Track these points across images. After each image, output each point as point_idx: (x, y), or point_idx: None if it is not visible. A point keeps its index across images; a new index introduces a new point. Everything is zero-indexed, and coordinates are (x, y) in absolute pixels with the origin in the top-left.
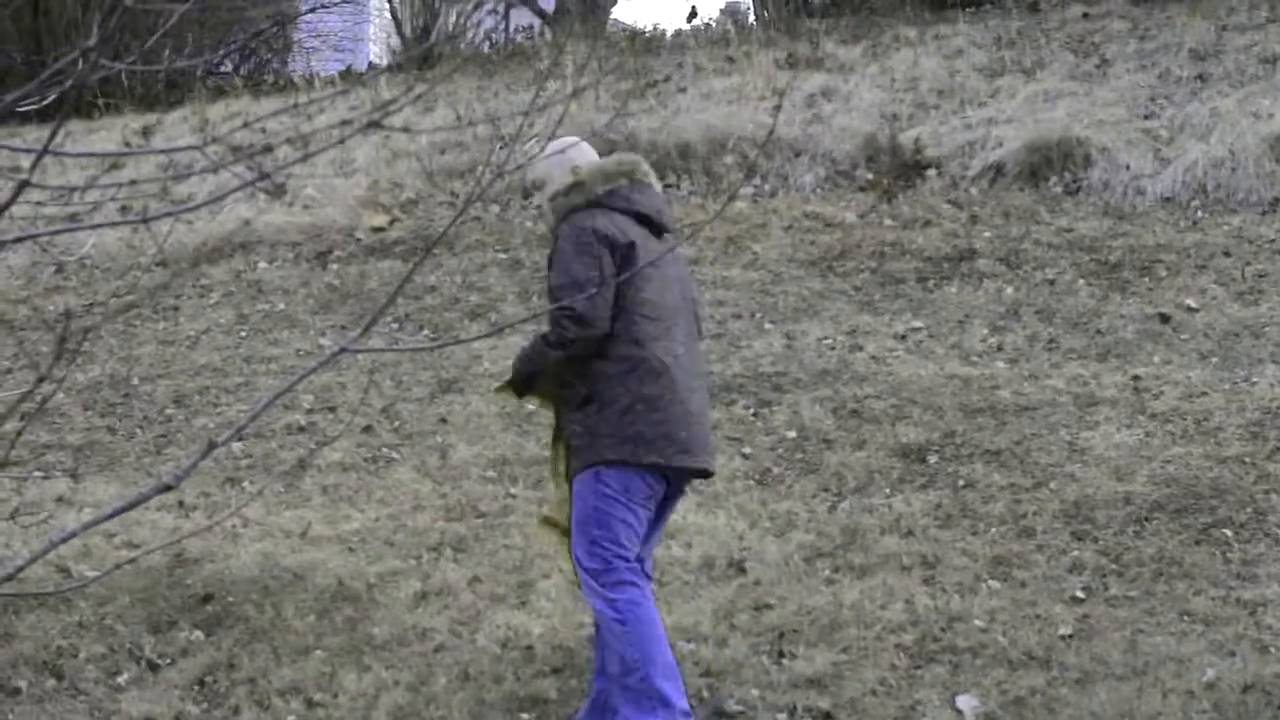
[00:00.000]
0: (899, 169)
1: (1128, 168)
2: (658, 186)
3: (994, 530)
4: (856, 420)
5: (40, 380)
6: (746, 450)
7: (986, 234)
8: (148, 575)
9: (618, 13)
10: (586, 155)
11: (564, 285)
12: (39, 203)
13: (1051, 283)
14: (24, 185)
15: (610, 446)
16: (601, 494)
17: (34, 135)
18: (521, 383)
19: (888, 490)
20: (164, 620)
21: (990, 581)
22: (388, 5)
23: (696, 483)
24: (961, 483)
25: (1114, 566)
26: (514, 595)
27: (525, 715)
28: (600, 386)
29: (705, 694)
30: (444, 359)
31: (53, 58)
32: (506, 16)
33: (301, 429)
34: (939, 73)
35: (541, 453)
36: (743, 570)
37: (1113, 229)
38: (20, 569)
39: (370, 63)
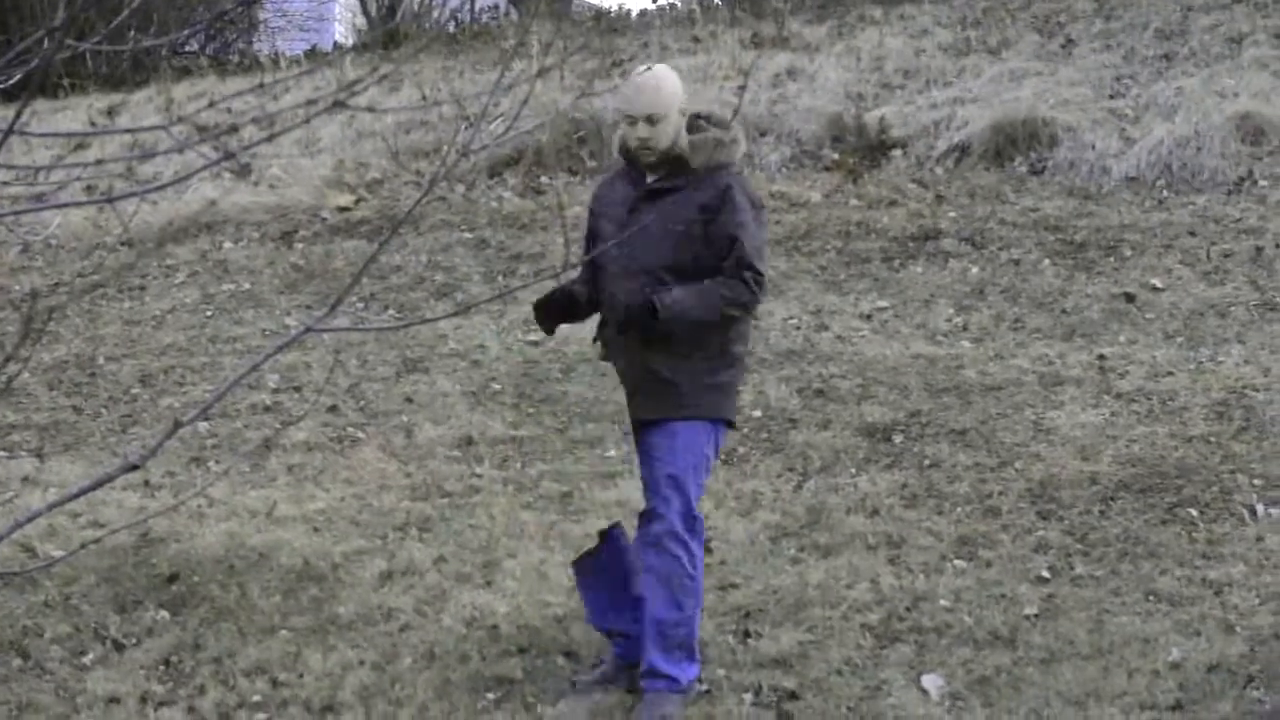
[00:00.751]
0: (864, 149)
1: (1093, 147)
2: None
3: (959, 510)
4: (822, 400)
5: (6, 360)
6: None
7: (952, 214)
8: (113, 555)
9: None
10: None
11: (758, 249)
12: (4, 182)
13: (1017, 262)
14: None
15: (730, 408)
16: (715, 448)
17: None
18: (676, 326)
19: (853, 470)
20: (129, 600)
21: (956, 561)
22: None
23: None
24: (927, 462)
25: (1079, 546)
26: (479, 575)
27: (490, 694)
28: (735, 348)
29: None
30: (409, 338)
31: (19, 37)
32: None
33: (267, 409)
34: (904, 52)
35: (508, 432)
36: (708, 550)
37: (1078, 209)
38: None
39: (336, 42)
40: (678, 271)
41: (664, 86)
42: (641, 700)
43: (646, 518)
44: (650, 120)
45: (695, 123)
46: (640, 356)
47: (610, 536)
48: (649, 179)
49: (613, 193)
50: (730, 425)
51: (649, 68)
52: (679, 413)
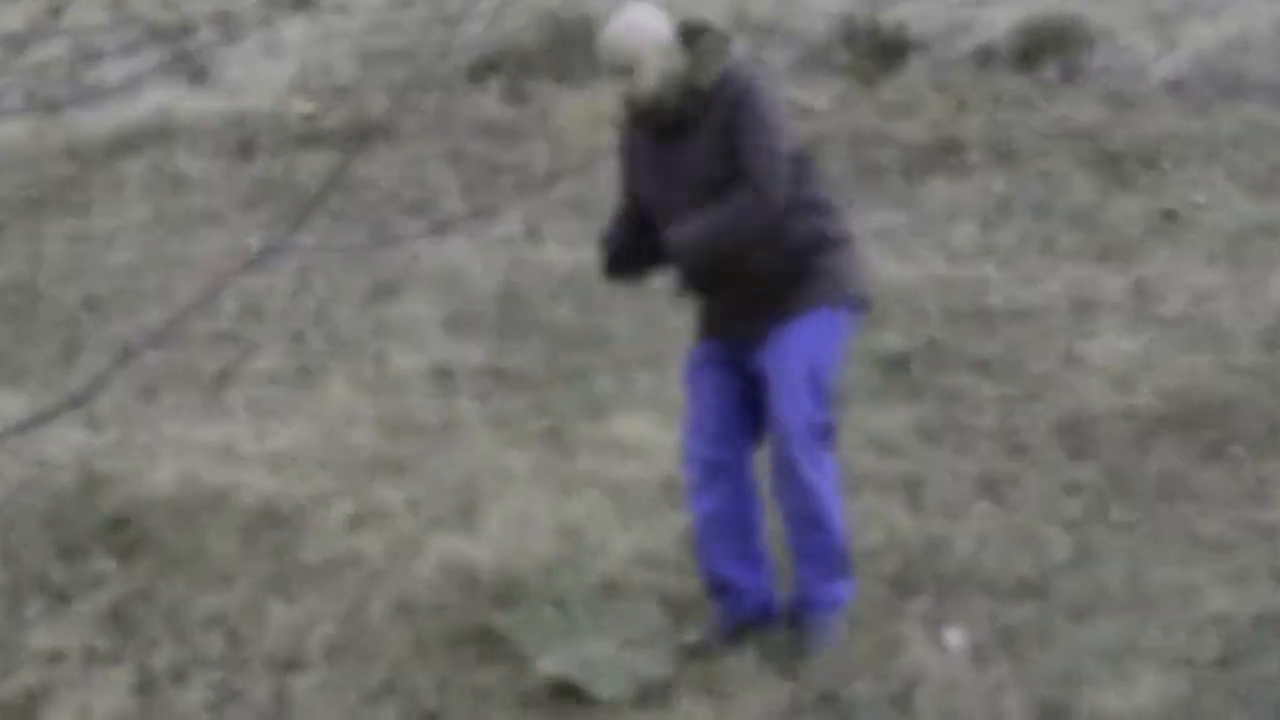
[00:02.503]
0: (879, 51)
1: (1130, 50)
2: None
3: (983, 447)
4: None
5: None
6: None
7: (975, 122)
8: (56, 497)
9: None
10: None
11: (764, 149)
12: None
13: (1046, 176)
14: None
15: (837, 290)
16: (835, 337)
17: None
18: (697, 260)
19: (867, 403)
20: (74, 547)
21: (979, 503)
22: None
23: (657, 395)
24: (947, 395)
25: (1114, 487)
26: (456, 519)
27: (471, 648)
28: (809, 227)
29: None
30: (381, 259)
31: None
32: None
33: (225, 337)
34: None
35: (489, 362)
36: None
37: (1113, 117)
38: None
39: None
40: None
41: (629, 33)
42: (806, 631)
43: (773, 439)
44: (622, 73)
45: (687, 36)
46: (724, 291)
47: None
48: (664, 138)
49: (635, 139)
50: (858, 306)
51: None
52: (782, 317)
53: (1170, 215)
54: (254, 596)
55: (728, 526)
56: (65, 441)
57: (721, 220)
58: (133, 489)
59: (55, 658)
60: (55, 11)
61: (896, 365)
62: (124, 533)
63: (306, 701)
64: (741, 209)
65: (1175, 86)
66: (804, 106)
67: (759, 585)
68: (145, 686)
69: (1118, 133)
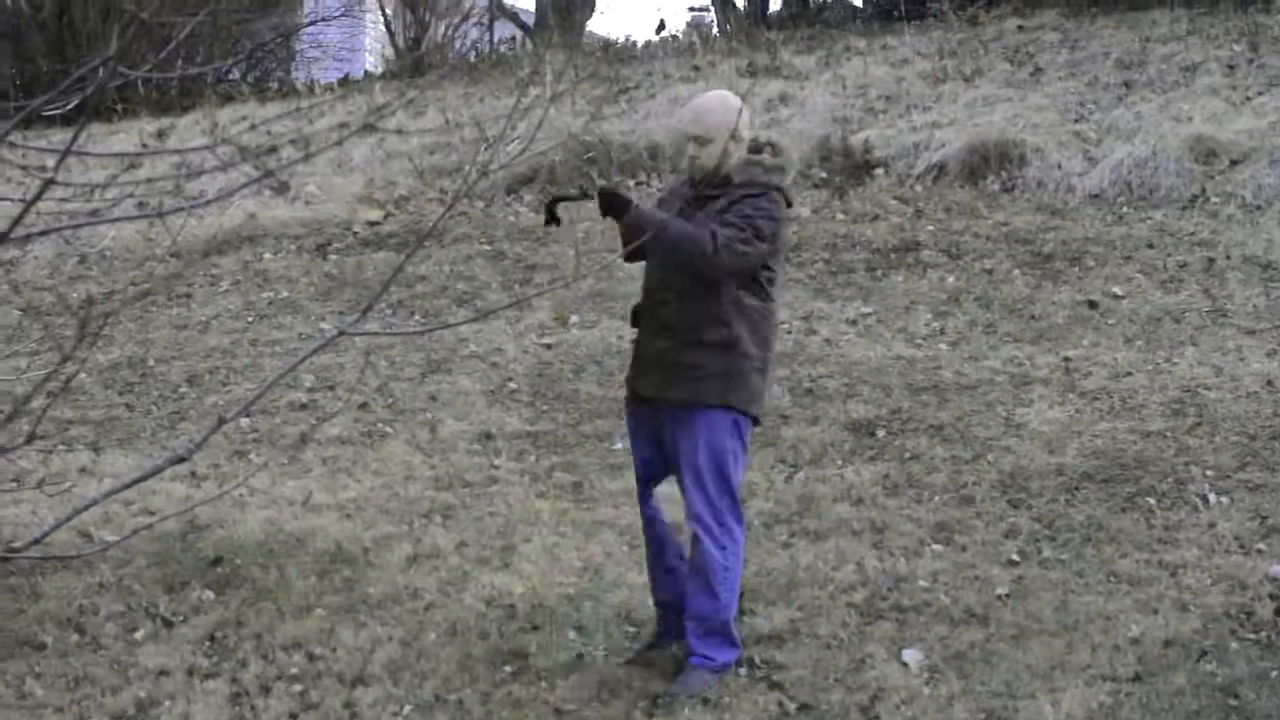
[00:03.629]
0: (850, 168)
1: (1059, 167)
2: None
3: (937, 499)
4: (811, 398)
5: (64, 361)
6: None
7: (930, 228)
8: (163, 540)
9: (592, 25)
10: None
11: (738, 227)
12: (64, 199)
13: (989, 272)
14: (50, 183)
15: (739, 398)
16: (739, 437)
17: (59, 137)
18: (639, 228)
19: (839, 462)
20: (178, 581)
21: (934, 545)
22: (382, 19)
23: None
24: (907, 455)
25: (1047, 532)
26: (497, 558)
27: (508, 667)
28: (745, 345)
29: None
30: (433, 342)
31: (76, 66)
32: (490, 29)
33: (303, 406)
34: (887, 80)
35: (524, 427)
36: None
37: (1045, 223)
38: (47, 534)
39: (366, 71)
40: (694, 272)
41: (711, 113)
42: (684, 674)
43: (686, 513)
44: (698, 141)
45: (755, 147)
46: (656, 338)
47: (649, 513)
48: (700, 188)
49: (678, 190)
50: (754, 420)
51: (718, 92)
52: (687, 400)
53: (1092, 305)
54: (328, 623)
55: (657, 555)
56: (170, 494)
57: (678, 229)
58: (227, 533)
59: (162, 674)
60: (162, 136)
61: (865, 430)
62: (219, 570)
63: (371, 712)
64: (695, 238)
65: (1096, 197)
66: (789, 215)
67: None
68: (237, 699)
69: (1048, 236)
